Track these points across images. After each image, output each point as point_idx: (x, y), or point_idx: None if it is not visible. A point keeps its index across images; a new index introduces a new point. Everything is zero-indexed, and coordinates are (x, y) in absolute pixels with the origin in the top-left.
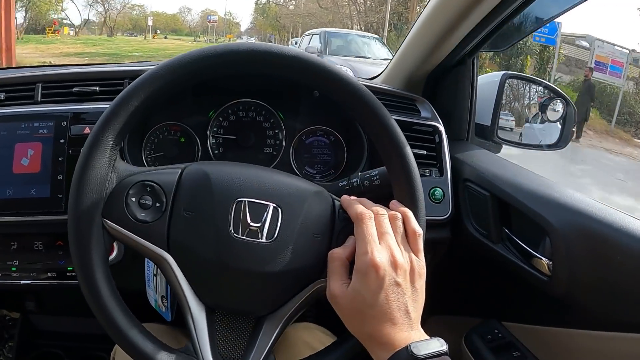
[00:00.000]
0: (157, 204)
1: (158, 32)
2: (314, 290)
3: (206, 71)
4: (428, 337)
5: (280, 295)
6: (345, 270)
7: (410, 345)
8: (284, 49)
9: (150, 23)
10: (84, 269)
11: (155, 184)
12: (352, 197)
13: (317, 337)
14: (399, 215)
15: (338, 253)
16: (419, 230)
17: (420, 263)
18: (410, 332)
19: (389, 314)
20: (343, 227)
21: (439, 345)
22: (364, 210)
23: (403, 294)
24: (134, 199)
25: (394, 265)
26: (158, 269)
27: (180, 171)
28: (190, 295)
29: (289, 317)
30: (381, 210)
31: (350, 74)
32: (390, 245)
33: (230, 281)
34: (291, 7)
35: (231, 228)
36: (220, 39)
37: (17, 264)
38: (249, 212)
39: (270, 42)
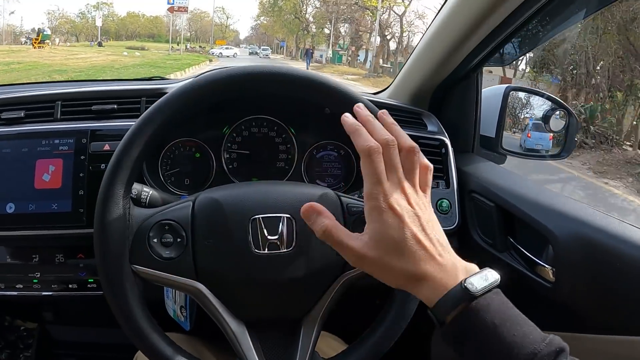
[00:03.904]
0: (178, 239)
1: (45, 32)
2: (340, 284)
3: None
4: (475, 268)
5: (310, 296)
6: (346, 232)
7: (464, 282)
8: (290, 70)
9: (99, 24)
10: (125, 317)
11: (172, 221)
12: (356, 122)
13: (329, 344)
14: (417, 149)
15: (326, 224)
16: (430, 165)
17: (428, 198)
18: (453, 261)
19: (423, 247)
20: (354, 220)
21: (491, 277)
22: (372, 144)
23: (427, 225)
24: (155, 240)
25: (407, 200)
26: None
27: (191, 204)
28: (228, 315)
29: (323, 315)
30: (391, 140)
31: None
32: (401, 180)
33: (262, 294)
34: None
35: (252, 245)
36: (207, 47)
37: (38, 276)
38: (265, 227)
39: (290, 51)
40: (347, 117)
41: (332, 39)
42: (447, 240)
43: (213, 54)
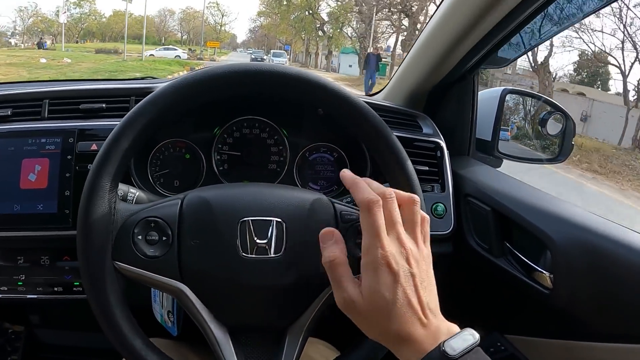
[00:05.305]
0: (164, 238)
1: None
2: (328, 295)
3: (191, 101)
4: (457, 330)
5: (297, 305)
6: (349, 274)
7: (442, 345)
8: (287, 69)
9: (62, 20)
10: (104, 314)
11: (158, 219)
12: (354, 176)
13: (319, 351)
14: (417, 200)
15: (336, 256)
16: (427, 216)
17: (428, 250)
18: (437, 324)
19: (411, 309)
20: (347, 228)
21: (471, 338)
22: (372, 197)
23: (420, 286)
24: (140, 237)
25: (406, 256)
26: None
27: (179, 202)
28: (211, 319)
29: (309, 325)
30: (389, 193)
31: (350, 90)
32: (400, 235)
33: (247, 299)
34: None
35: (239, 248)
36: (198, 50)
37: (23, 278)
38: (254, 230)
39: (295, 55)
40: (345, 172)
41: (371, 41)
42: (436, 301)
43: (146, 55)
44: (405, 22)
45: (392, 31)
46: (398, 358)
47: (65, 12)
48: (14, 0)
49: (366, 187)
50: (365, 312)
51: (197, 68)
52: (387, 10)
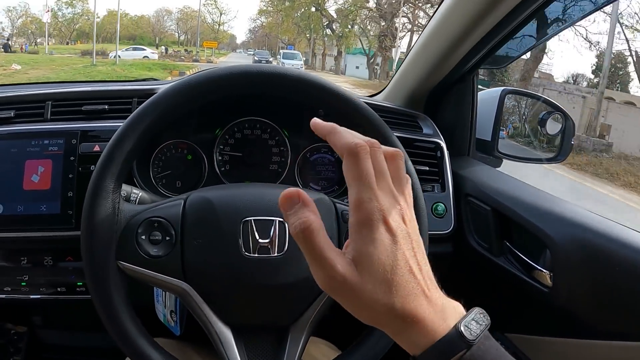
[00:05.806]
0: (167, 238)
1: None
2: None
3: (189, 104)
4: (461, 307)
5: (300, 303)
6: (329, 242)
7: (459, 325)
8: (288, 70)
9: (47, 20)
10: (108, 314)
11: (162, 219)
12: (330, 123)
13: (321, 350)
14: (402, 153)
15: (311, 221)
16: (408, 176)
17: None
18: (441, 299)
19: (414, 278)
20: (348, 228)
21: (483, 318)
22: (359, 141)
23: (418, 250)
24: (144, 237)
25: (401, 213)
26: None
27: (182, 202)
28: (214, 318)
29: (312, 323)
30: (375, 141)
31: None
32: (392, 188)
33: (250, 298)
34: None
35: (242, 248)
36: (194, 51)
37: (27, 279)
38: (256, 230)
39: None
40: (316, 119)
41: (397, 39)
42: (430, 270)
43: (111, 57)
44: (423, 20)
45: (407, 30)
46: (404, 348)
47: (48, 11)
48: (4, 0)
49: (349, 132)
50: (359, 288)
51: (188, 72)
52: (419, 2)
